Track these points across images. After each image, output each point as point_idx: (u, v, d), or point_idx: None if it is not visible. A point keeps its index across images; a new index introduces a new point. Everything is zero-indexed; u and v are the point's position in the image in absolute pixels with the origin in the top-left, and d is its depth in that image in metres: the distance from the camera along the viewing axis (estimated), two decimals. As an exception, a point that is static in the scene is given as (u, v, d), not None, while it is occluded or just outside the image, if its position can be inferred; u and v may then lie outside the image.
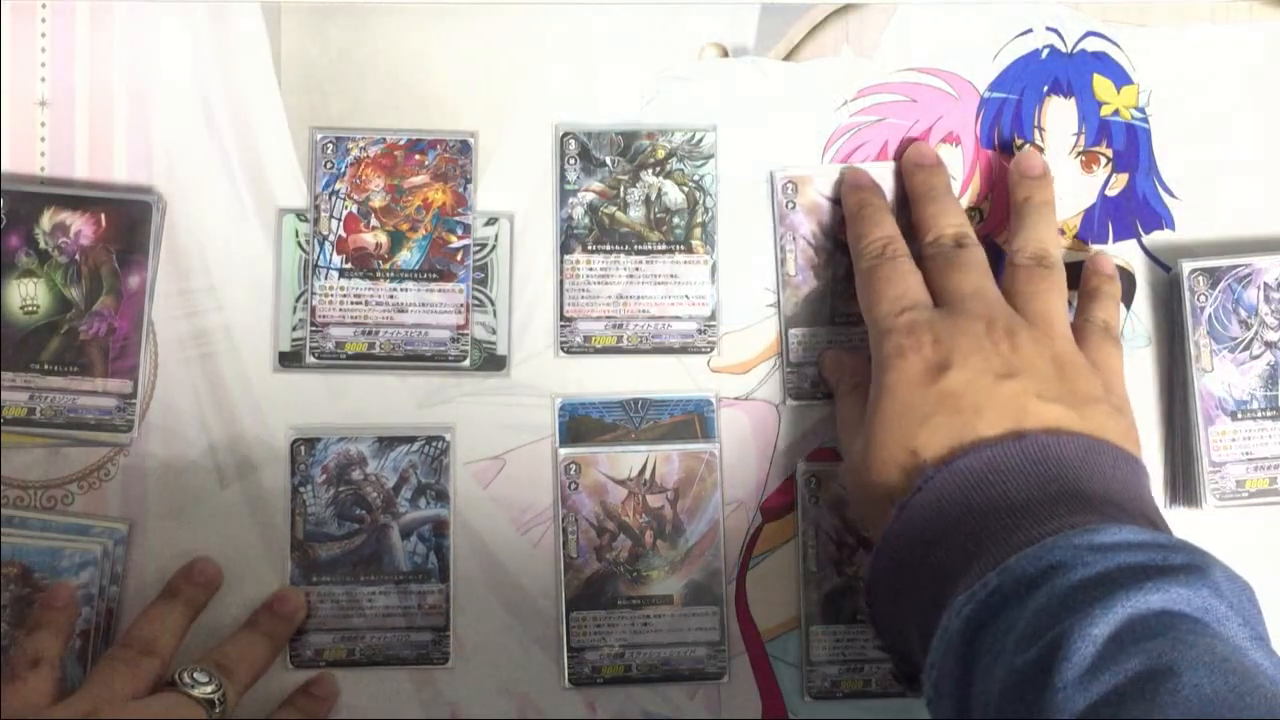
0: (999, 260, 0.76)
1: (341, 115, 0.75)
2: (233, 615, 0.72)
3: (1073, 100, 0.77)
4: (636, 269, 0.74)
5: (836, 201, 0.75)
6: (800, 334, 0.75)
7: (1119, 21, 0.77)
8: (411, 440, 0.73)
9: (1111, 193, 0.76)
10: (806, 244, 0.75)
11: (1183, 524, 0.75)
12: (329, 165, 0.74)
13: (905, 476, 0.63)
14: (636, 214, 0.75)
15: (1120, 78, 0.77)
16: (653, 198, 0.75)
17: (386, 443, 0.73)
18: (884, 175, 0.75)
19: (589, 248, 0.75)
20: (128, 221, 0.73)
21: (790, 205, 0.75)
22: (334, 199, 0.74)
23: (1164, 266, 0.76)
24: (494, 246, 0.75)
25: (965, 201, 0.76)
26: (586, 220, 0.75)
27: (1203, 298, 0.73)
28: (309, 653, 0.72)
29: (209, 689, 0.65)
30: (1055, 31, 0.77)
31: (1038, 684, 0.52)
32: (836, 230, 0.75)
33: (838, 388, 0.72)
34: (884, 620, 0.65)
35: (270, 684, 0.71)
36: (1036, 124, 0.76)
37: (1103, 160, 0.76)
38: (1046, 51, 0.77)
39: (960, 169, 0.76)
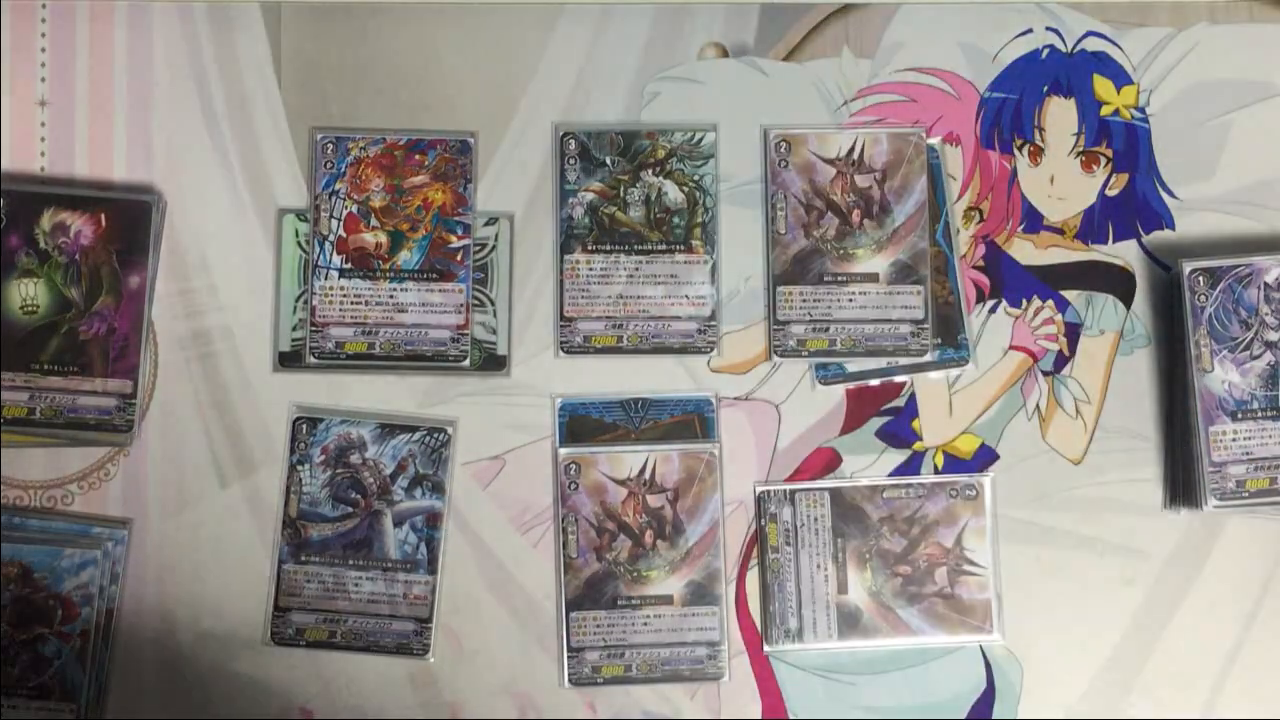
0: (1000, 261, 0.76)
1: (341, 115, 0.75)
2: (233, 615, 0.72)
3: (1073, 100, 0.77)
4: (636, 269, 0.74)
5: (829, 161, 0.75)
6: (788, 292, 0.75)
7: (1119, 21, 0.77)
8: (414, 429, 0.73)
9: (1111, 193, 0.76)
10: (798, 202, 0.75)
11: (1183, 524, 0.75)
12: (329, 165, 0.74)
13: None
14: (636, 214, 0.75)
15: (1120, 78, 0.77)
16: (653, 198, 0.75)
17: (388, 429, 0.73)
18: None
19: (589, 248, 0.74)
20: (128, 221, 0.73)
21: (783, 163, 0.75)
22: (334, 199, 0.74)
23: (1164, 266, 0.76)
24: (494, 246, 0.75)
25: (965, 202, 0.76)
26: (586, 220, 0.75)
27: (1203, 298, 0.73)
28: (290, 630, 0.72)
29: None
30: (1055, 31, 0.77)
31: None
32: (828, 190, 0.75)
33: None
34: None
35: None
36: (1036, 124, 0.76)
37: (1103, 160, 0.76)
38: (1046, 51, 0.77)
39: (960, 169, 0.76)
